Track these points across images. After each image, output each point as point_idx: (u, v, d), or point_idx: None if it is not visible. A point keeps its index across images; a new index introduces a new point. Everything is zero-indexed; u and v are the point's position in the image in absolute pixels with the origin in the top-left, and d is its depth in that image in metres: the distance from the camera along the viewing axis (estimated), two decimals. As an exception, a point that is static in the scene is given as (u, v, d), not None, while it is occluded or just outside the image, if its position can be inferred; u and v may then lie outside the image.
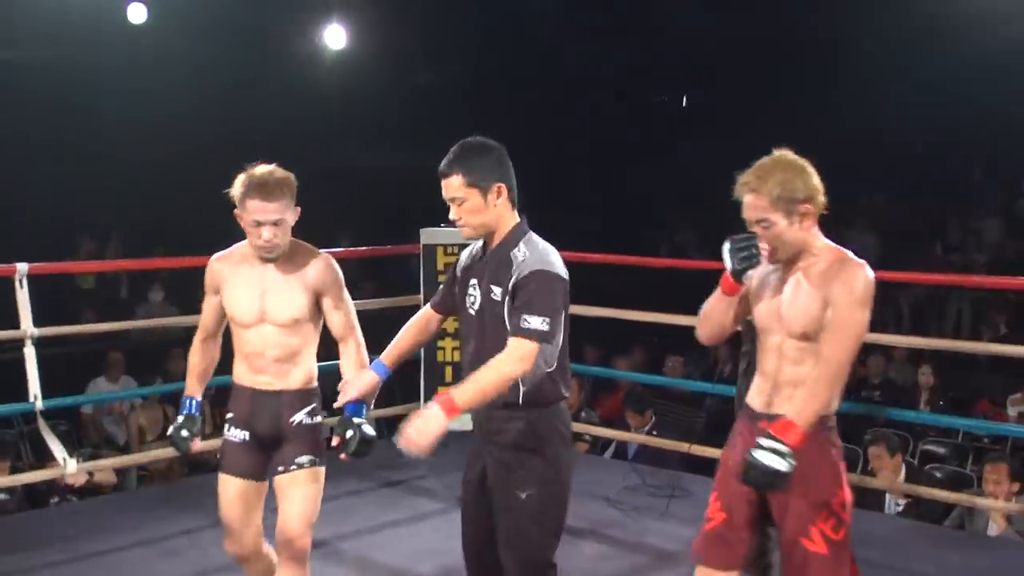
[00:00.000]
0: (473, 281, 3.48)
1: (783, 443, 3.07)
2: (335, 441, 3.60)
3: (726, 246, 3.30)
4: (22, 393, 5.82)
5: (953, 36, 12.70)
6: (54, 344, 6.19)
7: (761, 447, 3.07)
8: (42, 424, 5.81)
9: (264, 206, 3.60)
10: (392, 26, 13.34)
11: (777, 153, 3.27)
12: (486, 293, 3.43)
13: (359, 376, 3.65)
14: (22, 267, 5.60)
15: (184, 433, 3.91)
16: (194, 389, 3.99)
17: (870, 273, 3.19)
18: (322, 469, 3.79)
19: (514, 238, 3.41)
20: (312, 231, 3.95)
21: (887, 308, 12.07)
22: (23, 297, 5.63)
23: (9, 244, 7.49)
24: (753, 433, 3.25)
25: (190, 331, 10.80)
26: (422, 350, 6.71)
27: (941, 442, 8.19)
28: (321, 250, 3.83)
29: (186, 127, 12.91)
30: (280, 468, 3.75)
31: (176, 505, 5.97)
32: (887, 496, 6.58)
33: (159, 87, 12.48)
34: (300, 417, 3.77)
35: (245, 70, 13.11)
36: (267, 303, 3.71)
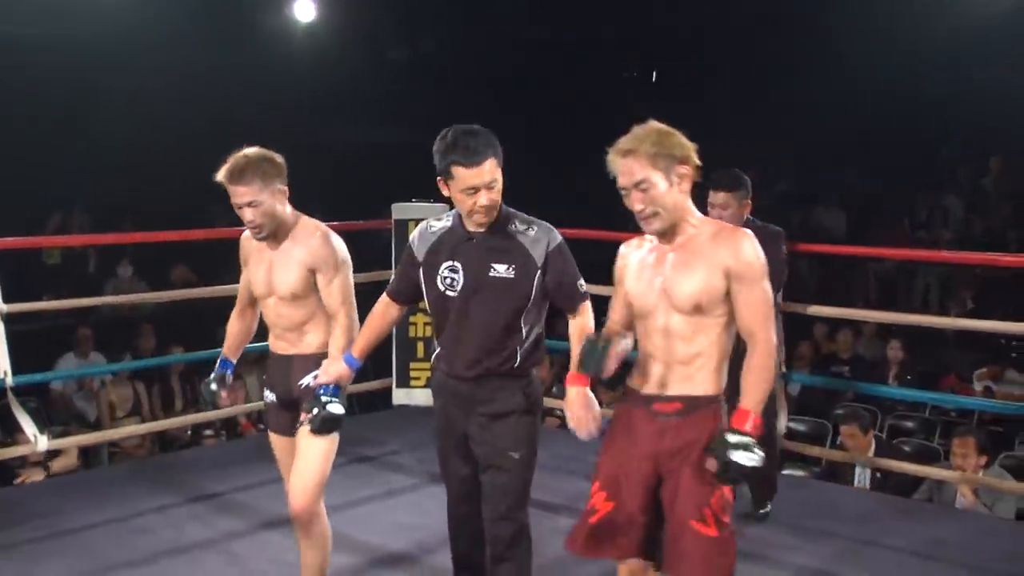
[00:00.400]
0: (450, 264, 3.61)
1: (747, 435, 3.06)
2: (303, 416, 3.81)
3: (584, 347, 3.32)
4: (-12, 370, 5.78)
5: (924, 12, 12.73)
6: (21, 320, 6.14)
7: (732, 445, 3.03)
8: (12, 400, 5.77)
9: (235, 190, 3.79)
10: (362, 1, 13.26)
11: (648, 122, 3.20)
12: (481, 272, 3.57)
13: (332, 363, 3.81)
14: (-14, 243, 5.56)
15: (213, 387, 4.18)
16: (227, 352, 4.25)
17: (754, 238, 3.17)
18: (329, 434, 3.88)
19: (505, 216, 3.59)
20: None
21: (856, 283, 12.17)
22: (-10, 273, 5.58)
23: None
24: (649, 418, 3.21)
25: (159, 307, 10.82)
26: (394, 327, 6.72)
27: (909, 416, 8.29)
28: (320, 227, 3.95)
29: (155, 101, 12.77)
30: (292, 430, 3.95)
31: (148, 482, 5.97)
32: (856, 470, 6.63)
33: (129, 61, 12.35)
34: (308, 380, 3.91)
35: (214, 43, 12.97)
36: (272, 277, 3.92)
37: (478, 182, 3.46)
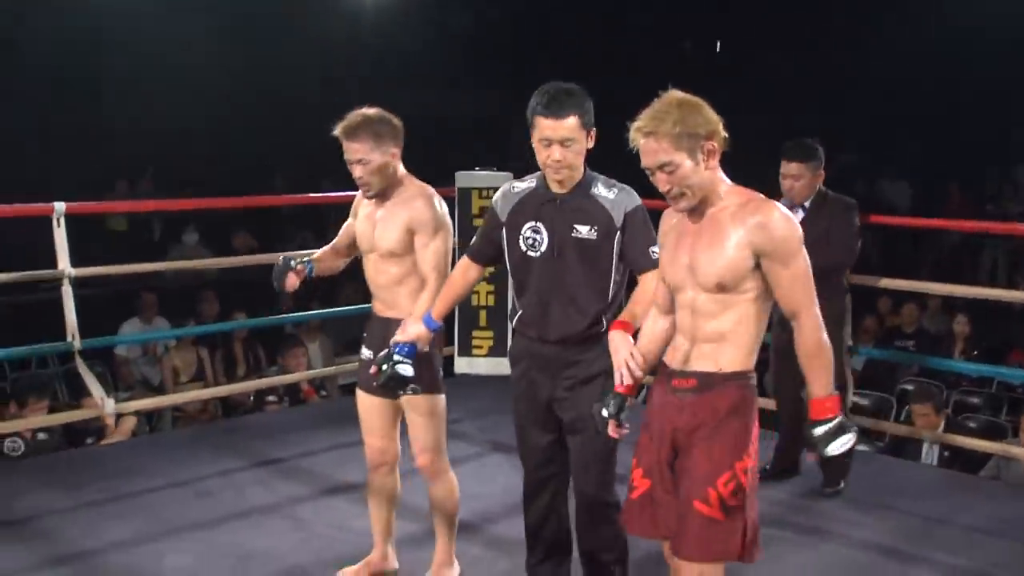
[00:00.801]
0: (533, 224, 3.62)
1: (831, 420, 2.99)
2: (372, 370, 3.81)
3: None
4: (57, 334, 5.87)
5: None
6: (87, 285, 6.22)
7: (825, 437, 2.98)
8: (80, 364, 5.86)
9: (348, 146, 3.90)
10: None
11: (668, 93, 3.04)
12: (565, 234, 3.57)
13: (411, 323, 3.81)
14: (59, 206, 5.62)
15: (292, 262, 4.26)
16: (316, 257, 4.35)
17: (784, 210, 3.02)
18: (433, 395, 4.02)
19: (588, 179, 3.60)
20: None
21: (925, 256, 12.00)
22: (60, 236, 5.65)
23: (46, 184, 7.51)
24: (670, 394, 3.13)
25: (223, 273, 10.95)
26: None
27: (975, 392, 8.16)
28: (425, 190, 4.01)
29: (220, 73, 12.86)
30: (397, 393, 3.98)
31: (210, 446, 6.03)
32: (924, 447, 6.55)
33: (194, 32, 12.43)
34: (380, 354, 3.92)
35: (278, 15, 13.03)
36: (375, 234, 4.01)
37: (552, 135, 3.46)
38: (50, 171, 10.99)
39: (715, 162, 3.03)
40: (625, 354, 3.28)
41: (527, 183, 3.70)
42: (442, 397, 4.08)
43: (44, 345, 6.10)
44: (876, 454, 6.79)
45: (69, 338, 5.79)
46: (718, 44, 17.03)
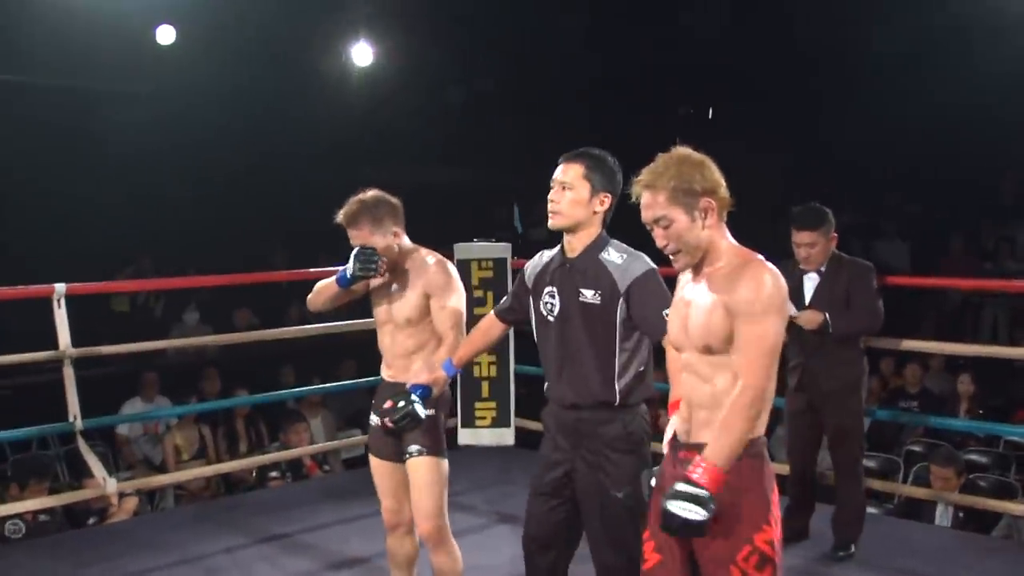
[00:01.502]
0: (550, 289, 3.68)
1: (700, 487, 2.84)
2: (387, 404, 3.92)
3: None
4: (58, 415, 5.85)
5: (989, 39, 12.56)
6: (88, 366, 6.21)
7: (677, 494, 2.84)
8: (82, 444, 5.84)
9: (350, 233, 4.04)
10: (419, 43, 13.36)
11: (674, 149, 3.05)
12: (572, 297, 3.61)
13: (430, 368, 3.98)
14: (60, 287, 5.62)
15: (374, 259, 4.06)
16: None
17: (774, 274, 2.95)
18: (436, 459, 4.07)
19: (600, 244, 3.63)
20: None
21: (926, 316, 11.99)
22: (61, 317, 5.65)
23: (48, 267, 7.52)
24: (675, 467, 3.06)
25: (224, 351, 10.92)
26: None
27: (983, 451, 8.10)
28: (436, 256, 4.15)
29: (214, 147, 12.95)
30: (403, 456, 4.09)
31: (215, 523, 5.99)
32: (938, 508, 6.49)
33: (186, 108, 12.54)
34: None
35: (273, 89, 13.15)
36: (392, 305, 4.12)
37: (554, 178, 3.61)
38: (53, 254, 11.02)
39: (713, 221, 3.00)
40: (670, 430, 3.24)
41: (554, 251, 3.76)
42: (445, 462, 4.12)
43: (45, 426, 6.06)
44: (885, 516, 6.73)
45: (71, 419, 5.77)
46: (710, 110, 17.16)
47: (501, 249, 6.69)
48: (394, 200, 4.11)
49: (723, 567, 2.95)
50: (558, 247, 3.73)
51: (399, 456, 4.11)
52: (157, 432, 8.89)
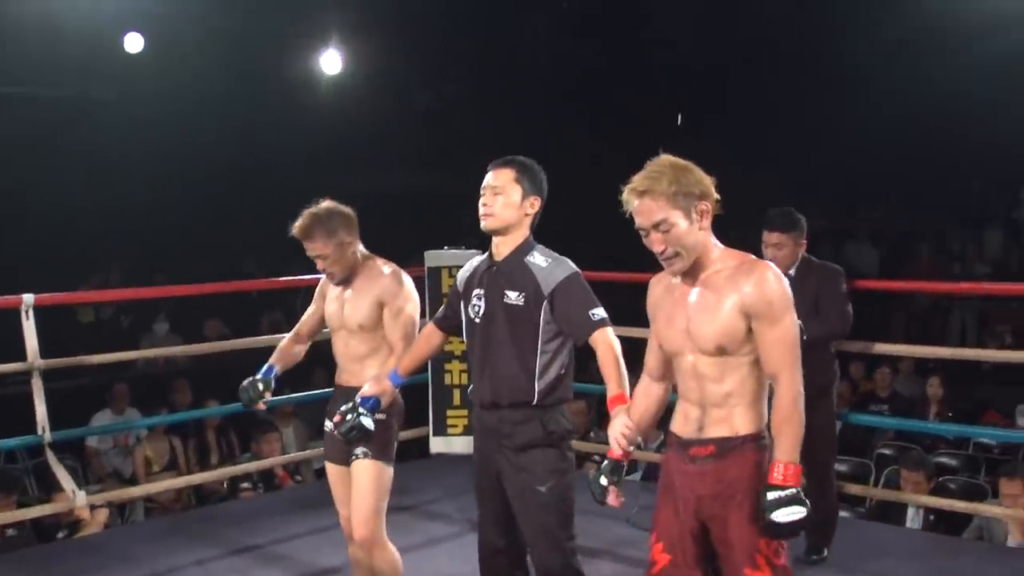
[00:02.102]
0: (477, 291, 3.76)
1: (787, 487, 2.95)
2: (336, 419, 3.97)
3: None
4: (26, 427, 5.79)
5: (952, 44, 12.68)
6: (57, 378, 6.16)
7: (772, 505, 2.93)
8: (51, 456, 5.78)
9: (306, 245, 4.18)
10: (387, 50, 13.35)
11: (660, 156, 3.10)
12: (497, 298, 3.70)
13: (377, 380, 4.01)
14: (28, 298, 5.58)
15: (260, 386, 4.42)
16: (274, 360, 4.51)
17: (777, 271, 3.06)
18: (379, 463, 4.13)
19: (526, 248, 3.72)
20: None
21: (892, 320, 12.07)
22: (30, 328, 5.60)
23: (13, 278, 7.45)
24: (688, 463, 3.11)
25: (194, 361, 10.84)
26: (429, 374, 6.70)
27: (953, 454, 8.15)
28: (391, 266, 4.26)
29: (183, 155, 12.89)
30: (348, 459, 4.17)
31: (186, 535, 5.95)
32: (909, 511, 6.52)
33: (155, 116, 12.46)
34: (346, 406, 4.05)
35: (242, 97, 13.09)
36: (344, 312, 4.23)
37: (485, 183, 3.72)
38: (20, 264, 10.92)
39: (707, 223, 3.06)
40: (619, 425, 3.29)
41: (484, 256, 3.84)
42: (390, 469, 4.20)
43: (13, 439, 6.00)
44: (856, 519, 6.76)
45: (39, 431, 5.71)
46: (679, 116, 17.21)
47: (471, 256, 6.67)
48: (347, 210, 4.23)
49: (748, 556, 3.03)
50: (487, 252, 3.81)
51: (350, 461, 4.20)
52: (127, 444, 8.81)
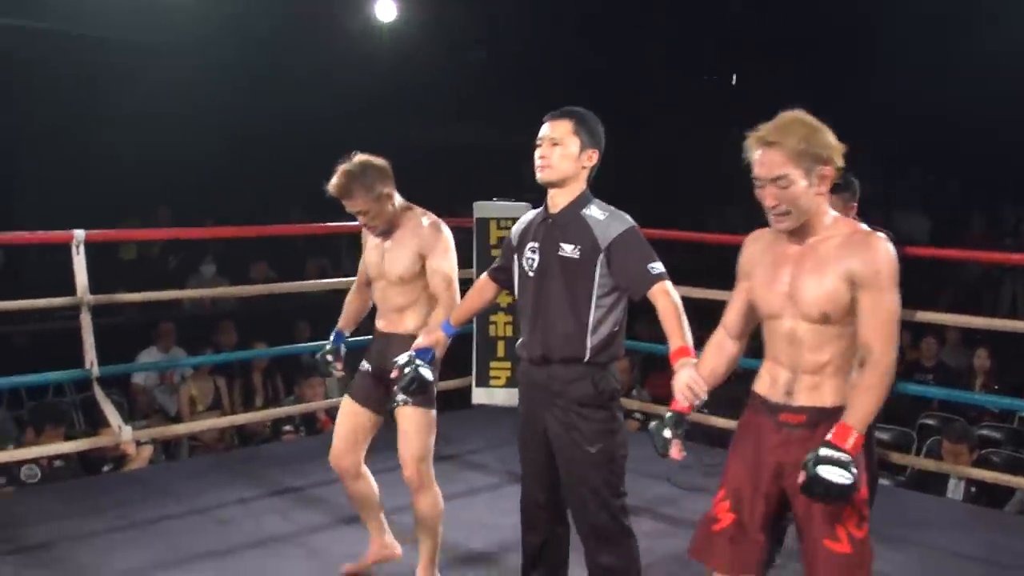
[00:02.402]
0: (532, 244, 3.70)
1: (844, 452, 2.86)
2: (394, 374, 3.93)
3: None
4: (73, 362, 5.86)
5: (1012, 17, 12.43)
6: (103, 314, 6.22)
7: (823, 460, 2.85)
8: (98, 391, 5.85)
9: (346, 204, 4.16)
10: (443, 1, 13.28)
11: (793, 111, 3.01)
12: (551, 251, 3.63)
13: (430, 331, 4.00)
14: (79, 233, 5.62)
15: (329, 358, 4.59)
16: (342, 325, 4.62)
17: (889, 245, 2.97)
18: (422, 409, 4.17)
19: (582, 200, 3.65)
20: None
21: (941, 290, 11.94)
22: (80, 263, 5.64)
23: (62, 215, 7.51)
24: (775, 428, 3.07)
25: (240, 304, 10.92)
26: (475, 325, 6.71)
27: (997, 427, 8.08)
28: (430, 217, 4.26)
29: (237, 103, 12.90)
30: (390, 406, 4.23)
31: (228, 474, 6.02)
32: (950, 482, 6.48)
33: (208, 63, 12.48)
34: (402, 359, 4.02)
35: (293, 44, 13.07)
36: (384, 263, 4.24)
37: (542, 134, 3.64)
38: (62, 205, 11.00)
39: (825, 188, 2.98)
40: (687, 377, 3.27)
41: (540, 209, 3.78)
42: (433, 412, 4.22)
43: (62, 372, 6.08)
44: (896, 488, 6.73)
45: (87, 365, 5.78)
46: (734, 77, 17.04)
47: (521, 208, 6.66)
48: (380, 162, 4.18)
49: (832, 527, 2.99)
50: (543, 205, 3.75)
51: (378, 405, 4.30)
52: (173, 383, 8.91)
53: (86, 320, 5.72)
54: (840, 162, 2.97)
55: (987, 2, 12.72)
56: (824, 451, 2.87)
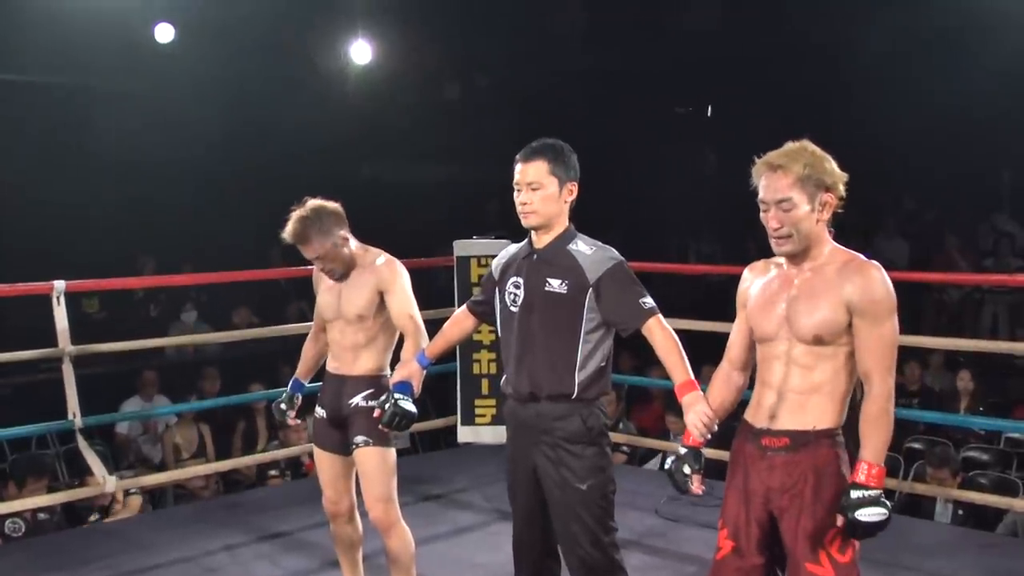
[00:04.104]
0: (515, 279, 3.68)
1: (872, 488, 2.96)
2: (376, 413, 3.91)
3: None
4: (56, 414, 5.83)
5: (981, 37, 12.55)
6: (84, 365, 6.19)
7: (857, 503, 2.94)
8: (81, 441, 5.82)
9: (303, 250, 4.17)
10: (417, 41, 13.32)
11: (801, 141, 3.12)
12: (537, 287, 3.61)
13: (404, 364, 3.98)
14: (59, 284, 5.62)
15: (283, 407, 4.56)
16: (299, 374, 4.60)
17: (884, 273, 3.06)
18: (382, 448, 4.18)
19: (568, 236, 3.65)
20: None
21: (922, 314, 11.98)
22: (60, 314, 5.63)
23: (44, 267, 7.48)
24: (760, 455, 3.12)
25: (223, 348, 10.82)
26: (458, 363, 6.71)
27: (984, 448, 8.09)
28: (384, 255, 4.28)
29: (212, 145, 12.91)
30: (349, 448, 4.23)
31: (214, 522, 5.98)
32: (938, 506, 6.48)
33: (186, 106, 12.49)
34: (357, 400, 4.19)
35: (272, 87, 13.10)
36: (341, 302, 4.23)
37: (521, 178, 3.62)
38: (46, 253, 10.95)
39: (827, 216, 3.08)
40: (699, 411, 3.31)
41: (522, 244, 3.77)
42: (392, 451, 4.23)
43: (45, 424, 6.04)
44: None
45: (70, 416, 5.75)
46: (709, 108, 17.13)
47: (500, 246, 6.66)
48: (333, 206, 4.21)
49: (812, 551, 3.04)
50: (526, 240, 3.75)
51: (343, 448, 4.26)
52: (157, 431, 8.86)
53: (68, 371, 5.70)
54: (842, 191, 3.08)
55: (961, 25, 12.83)
56: (855, 494, 2.96)
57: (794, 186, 3.03)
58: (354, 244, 4.24)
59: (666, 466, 3.41)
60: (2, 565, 5.34)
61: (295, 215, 4.14)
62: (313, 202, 4.18)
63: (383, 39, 12.60)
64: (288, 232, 4.14)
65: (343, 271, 4.20)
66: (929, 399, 9.07)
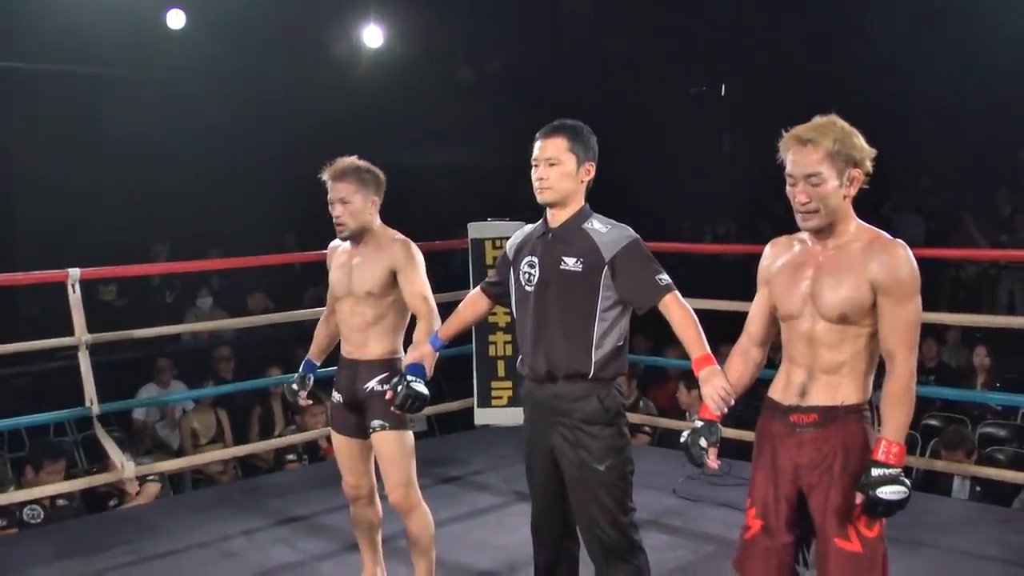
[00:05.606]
0: (530, 259, 3.67)
1: (892, 466, 2.96)
2: (388, 395, 3.92)
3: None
4: (73, 401, 5.85)
5: (993, 12, 12.46)
6: (100, 352, 6.20)
7: (877, 481, 2.94)
8: (99, 428, 5.84)
9: (333, 185, 4.16)
10: (429, 24, 13.29)
11: (830, 116, 3.10)
12: (553, 265, 3.59)
13: (417, 346, 3.96)
14: (74, 272, 5.62)
15: (295, 387, 4.55)
16: (312, 355, 4.57)
17: (910, 252, 3.04)
18: (399, 432, 4.17)
19: (583, 214, 3.64)
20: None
21: (939, 290, 11.93)
22: (76, 302, 5.64)
23: (58, 254, 7.50)
24: (788, 431, 3.13)
25: (239, 334, 10.84)
26: (474, 345, 6.71)
27: (1000, 424, 8.08)
28: (401, 236, 4.24)
29: (226, 131, 12.90)
30: (366, 432, 4.23)
31: (232, 506, 6.01)
32: (955, 482, 6.47)
33: (198, 92, 12.48)
34: (372, 384, 4.18)
35: (284, 73, 13.08)
36: (351, 279, 4.21)
37: (539, 154, 3.61)
38: (61, 241, 10.99)
39: (854, 191, 3.06)
40: (717, 385, 3.31)
41: (537, 223, 3.77)
42: (409, 434, 4.22)
43: (62, 411, 6.07)
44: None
45: (87, 403, 5.77)
46: (723, 88, 17.04)
47: (515, 227, 6.65)
48: (381, 174, 4.24)
49: (840, 526, 3.06)
50: (541, 219, 3.74)
51: (360, 432, 4.26)
52: (174, 417, 8.89)
53: (84, 359, 5.72)
54: (870, 167, 3.06)
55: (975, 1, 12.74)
56: (875, 472, 2.96)
57: (823, 161, 3.00)
58: (377, 221, 4.24)
59: (681, 439, 3.39)
60: (21, 552, 5.37)
61: (345, 158, 4.21)
62: (366, 161, 4.24)
63: (395, 23, 12.57)
64: (334, 165, 4.18)
65: (353, 231, 4.17)
66: (946, 375, 9.05)
